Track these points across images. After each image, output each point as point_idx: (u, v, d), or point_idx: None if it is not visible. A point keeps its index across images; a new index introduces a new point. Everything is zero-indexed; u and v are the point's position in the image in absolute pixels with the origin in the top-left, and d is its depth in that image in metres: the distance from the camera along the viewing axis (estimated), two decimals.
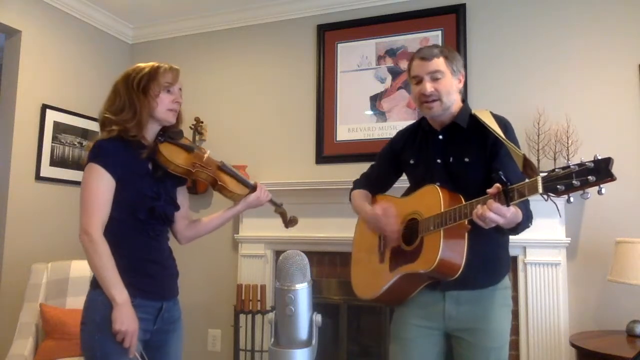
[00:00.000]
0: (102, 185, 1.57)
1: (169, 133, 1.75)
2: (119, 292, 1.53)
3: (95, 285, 1.58)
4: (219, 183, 1.78)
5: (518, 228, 1.51)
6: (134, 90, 1.64)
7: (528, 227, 1.55)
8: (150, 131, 1.70)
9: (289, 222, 1.98)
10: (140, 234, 1.65)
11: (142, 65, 1.70)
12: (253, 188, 1.85)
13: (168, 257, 1.76)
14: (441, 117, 1.73)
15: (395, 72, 3.25)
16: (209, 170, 1.77)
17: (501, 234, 1.55)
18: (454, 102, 1.71)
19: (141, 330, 1.58)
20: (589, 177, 1.18)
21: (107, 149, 1.60)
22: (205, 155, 1.80)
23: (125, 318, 1.52)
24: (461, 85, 1.74)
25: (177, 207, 1.78)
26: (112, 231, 1.59)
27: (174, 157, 1.70)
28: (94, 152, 1.60)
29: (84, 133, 3.55)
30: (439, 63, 1.67)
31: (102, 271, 1.54)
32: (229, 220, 1.93)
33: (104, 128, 1.66)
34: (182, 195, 1.83)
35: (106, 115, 1.66)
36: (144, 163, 1.67)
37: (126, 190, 1.61)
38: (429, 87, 1.66)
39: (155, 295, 1.66)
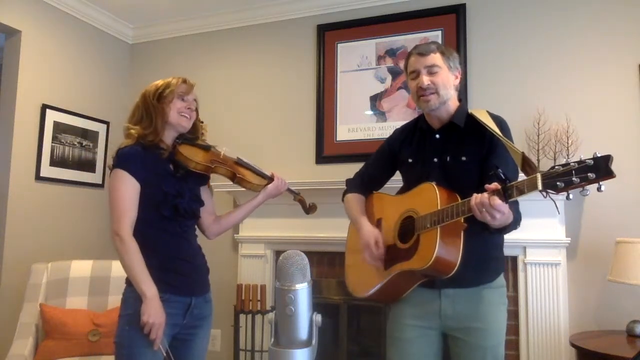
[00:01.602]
0: (128, 188, 1.68)
1: (186, 136, 1.87)
2: (148, 287, 1.63)
3: (129, 282, 1.69)
4: (238, 176, 1.89)
5: (506, 229, 1.52)
6: (150, 100, 1.78)
7: (516, 228, 1.57)
8: (168, 137, 1.82)
9: (310, 209, 2.09)
10: (168, 232, 1.75)
11: (158, 81, 1.84)
12: (270, 179, 1.98)
13: (197, 253, 1.87)
14: (438, 114, 1.73)
15: (395, 72, 3.25)
16: (227, 165, 1.89)
17: (488, 233, 1.55)
18: (450, 97, 1.72)
19: (170, 324, 1.67)
20: (589, 174, 1.18)
21: (129, 155, 1.72)
22: (222, 153, 1.93)
23: (153, 311, 1.61)
24: (458, 81, 1.75)
25: (202, 203, 1.89)
26: (142, 232, 1.69)
27: (194, 155, 1.81)
28: (117, 159, 1.72)
29: (84, 133, 3.56)
30: (436, 58, 1.70)
31: (132, 269, 1.65)
32: (252, 212, 2.03)
33: (126, 136, 1.80)
34: (206, 193, 1.95)
35: (127, 124, 1.80)
36: (165, 164, 1.79)
37: (150, 191, 1.71)
38: (426, 80, 1.68)
39: (184, 292, 1.74)
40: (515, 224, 1.54)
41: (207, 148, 1.91)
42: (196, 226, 1.92)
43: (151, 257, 1.68)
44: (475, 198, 1.40)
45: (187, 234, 1.83)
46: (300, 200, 2.08)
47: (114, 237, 1.66)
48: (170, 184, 1.76)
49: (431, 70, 1.69)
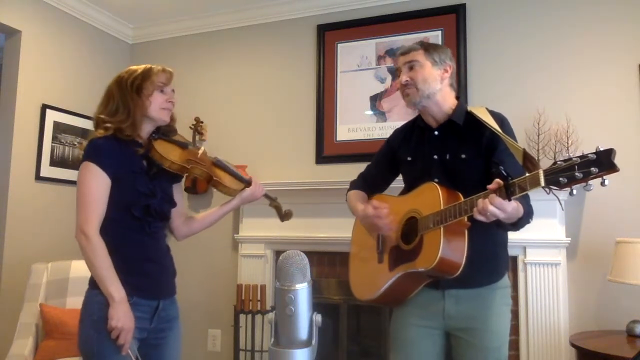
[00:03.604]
0: (98, 183, 1.59)
1: (163, 130, 1.77)
2: (116, 290, 1.55)
3: (93, 284, 1.61)
4: (214, 178, 1.79)
5: (519, 223, 1.50)
6: (128, 91, 1.66)
7: (529, 222, 1.54)
8: (145, 130, 1.72)
9: (284, 216, 1.98)
10: (137, 232, 1.66)
11: (134, 67, 1.72)
12: (248, 183, 1.87)
13: (165, 255, 1.76)
14: (429, 111, 1.72)
15: (395, 72, 3.25)
16: (204, 166, 1.78)
17: (502, 229, 1.54)
18: (435, 92, 1.69)
19: (138, 328, 1.59)
20: (592, 169, 1.17)
21: (102, 147, 1.61)
22: (200, 152, 1.82)
23: (122, 315, 1.54)
24: (448, 75, 1.72)
25: (173, 204, 1.79)
26: (109, 231, 1.61)
27: (169, 153, 1.71)
28: (89, 151, 1.62)
29: (84, 133, 3.55)
30: (417, 54, 1.70)
31: (99, 269, 1.56)
32: (224, 216, 1.94)
33: (99, 127, 1.67)
34: (178, 193, 1.85)
35: (101, 116, 1.67)
36: (139, 161, 1.69)
37: (121, 189, 1.62)
38: (404, 77, 1.70)
39: (151, 294, 1.67)
40: (527, 216, 1.50)
41: (184, 146, 1.79)
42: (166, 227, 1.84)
43: (118, 258, 1.59)
44: (478, 206, 1.38)
45: (157, 235, 1.73)
46: (276, 207, 1.98)
47: (79, 234, 1.57)
48: (143, 182, 1.66)
49: (410, 66, 1.70)
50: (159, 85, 1.69)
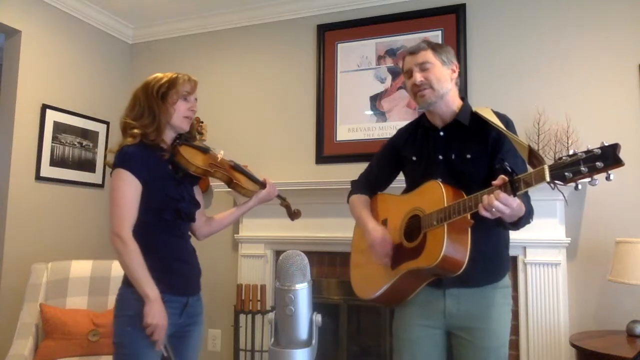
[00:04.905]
0: (130, 189, 1.67)
1: (184, 136, 1.86)
2: (151, 289, 1.63)
3: (127, 282, 1.69)
4: (234, 181, 1.89)
5: (520, 222, 1.50)
6: (154, 97, 1.74)
7: (529, 222, 1.55)
8: (168, 136, 1.80)
9: (294, 215, 2.07)
10: (168, 234, 1.75)
11: (161, 74, 1.80)
12: (263, 184, 1.98)
13: (193, 254, 1.87)
14: (438, 111, 1.73)
15: (395, 72, 3.25)
16: (224, 170, 1.88)
17: (502, 227, 1.55)
18: (447, 91, 1.71)
19: (169, 324, 1.67)
20: (597, 164, 1.18)
21: (133, 154, 1.69)
22: (219, 156, 1.91)
23: (157, 313, 1.62)
24: (455, 75, 1.74)
25: (198, 206, 1.89)
26: (142, 233, 1.68)
27: (193, 158, 1.79)
28: (120, 158, 1.69)
29: (84, 133, 3.56)
30: (427, 54, 1.71)
31: (133, 271, 1.64)
32: (241, 216, 2.02)
33: (126, 133, 1.75)
34: (197, 194, 1.94)
35: (127, 120, 1.76)
36: (165, 166, 1.77)
37: (152, 194, 1.70)
38: (418, 76, 1.70)
39: (182, 291, 1.76)
40: (528, 216, 1.52)
41: (205, 150, 1.89)
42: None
43: (152, 258, 1.67)
44: (483, 202, 1.39)
45: (185, 236, 1.84)
46: (287, 206, 2.07)
47: (114, 238, 1.64)
48: (172, 187, 1.75)
49: (423, 67, 1.70)
50: (184, 94, 1.77)
